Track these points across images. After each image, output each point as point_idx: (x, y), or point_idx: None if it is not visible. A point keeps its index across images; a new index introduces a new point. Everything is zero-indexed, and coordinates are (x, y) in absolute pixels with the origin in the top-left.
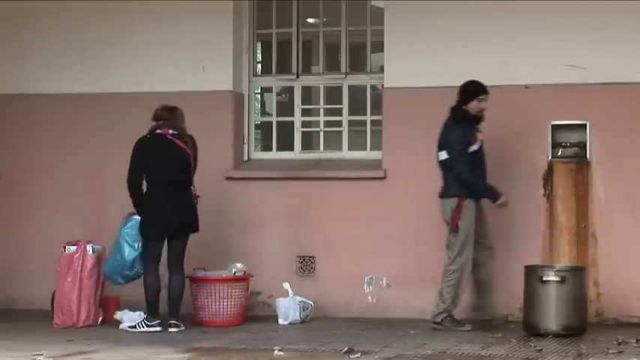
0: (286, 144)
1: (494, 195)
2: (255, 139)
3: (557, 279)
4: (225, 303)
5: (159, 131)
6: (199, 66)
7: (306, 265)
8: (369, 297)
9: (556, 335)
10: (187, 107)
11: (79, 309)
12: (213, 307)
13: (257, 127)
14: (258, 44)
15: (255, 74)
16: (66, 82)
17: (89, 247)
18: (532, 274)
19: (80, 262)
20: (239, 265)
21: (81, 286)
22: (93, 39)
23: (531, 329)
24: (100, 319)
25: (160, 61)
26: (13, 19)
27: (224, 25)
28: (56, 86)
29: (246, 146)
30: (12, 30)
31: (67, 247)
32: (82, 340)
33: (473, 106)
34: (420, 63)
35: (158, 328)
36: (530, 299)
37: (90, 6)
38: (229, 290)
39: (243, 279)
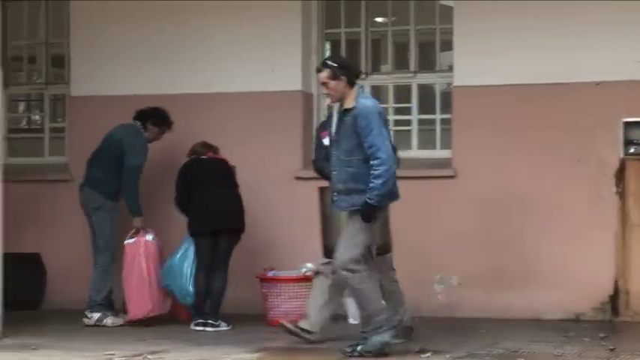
0: None
1: None
2: None
3: None
4: (295, 303)
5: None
6: (269, 66)
7: None
8: (439, 296)
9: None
10: (257, 107)
11: (151, 297)
12: (283, 306)
13: None
14: (327, 44)
15: None
16: (139, 84)
17: (148, 236)
18: (324, 193)
19: (143, 250)
20: (309, 264)
21: (149, 274)
22: (166, 41)
23: (329, 252)
24: (170, 304)
25: (230, 62)
26: (89, 22)
27: (293, 26)
28: (129, 88)
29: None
30: (90, 32)
31: (127, 239)
32: (152, 340)
33: None
34: (489, 61)
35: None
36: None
37: (164, 8)
38: (299, 290)
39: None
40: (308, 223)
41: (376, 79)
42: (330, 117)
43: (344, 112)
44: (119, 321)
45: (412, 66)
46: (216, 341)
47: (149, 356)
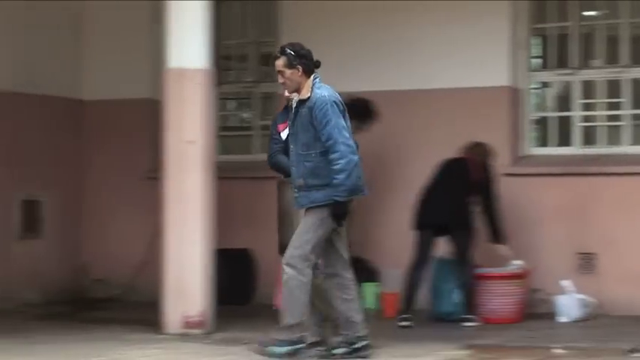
0: (563, 139)
1: None
2: (532, 134)
3: None
4: (504, 300)
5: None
6: (476, 63)
7: (586, 262)
8: None
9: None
10: (464, 103)
11: None
12: (491, 304)
13: (534, 122)
14: (535, 39)
15: (531, 69)
16: (347, 82)
17: None
18: (282, 187)
19: None
20: (518, 261)
21: None
22: (374, 40)
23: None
24: None
25: (438, 59)
26: (299, 21)
27: (500, 24)
28: (337, 86)
29: (522, 142)
30: (299, 31)
31: None
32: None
33: None
34: None
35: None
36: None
37: (372, 7)
38: (507, 287)
39: (522, 276)
40: (515, 220)
41: (586, 74)
42: (286, 108)
43: (299, 104)
44: None
45: (624, 60)
46: (424, 338)
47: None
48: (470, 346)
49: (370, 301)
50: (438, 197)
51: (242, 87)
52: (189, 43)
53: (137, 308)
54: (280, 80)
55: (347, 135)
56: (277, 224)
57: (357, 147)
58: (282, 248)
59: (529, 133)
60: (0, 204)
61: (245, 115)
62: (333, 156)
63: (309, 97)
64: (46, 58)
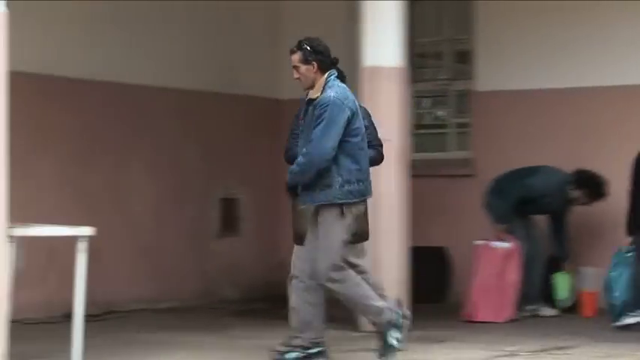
0: None
1: None
2: None
3: None
4: None
5: None
6: None
7: None
8: None
9: None
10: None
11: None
12: None
13: None
14: None
15: None
16: (542, 79)
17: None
18: None
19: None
20: None
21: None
22: (570, 37)
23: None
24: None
25: (631, 56)
26: (494, 18)
27: None
28: (534, 82)
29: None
30: (495, 28)
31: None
32: (557, 335)
33: None
34: None
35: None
36: None
37: (568, 5)
38: None
39: None
40: None
41: None
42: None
43: (309, 102)
44: (552, 312)
45: None
46: (620, 337)
47: (556, 352)
48: None
49: (563, 293)
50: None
51: (437, 85)
52: (384, 41)
53: (335, 306)
54: (295, 75)
55: (329, 141)
56: (292, 213)
57: (382, 146)
58: (297, 237)
59: None
60: (199, 202)
61: (440, 112)
62: (303, 151)
63: (317, 97)
64: (244, 58)
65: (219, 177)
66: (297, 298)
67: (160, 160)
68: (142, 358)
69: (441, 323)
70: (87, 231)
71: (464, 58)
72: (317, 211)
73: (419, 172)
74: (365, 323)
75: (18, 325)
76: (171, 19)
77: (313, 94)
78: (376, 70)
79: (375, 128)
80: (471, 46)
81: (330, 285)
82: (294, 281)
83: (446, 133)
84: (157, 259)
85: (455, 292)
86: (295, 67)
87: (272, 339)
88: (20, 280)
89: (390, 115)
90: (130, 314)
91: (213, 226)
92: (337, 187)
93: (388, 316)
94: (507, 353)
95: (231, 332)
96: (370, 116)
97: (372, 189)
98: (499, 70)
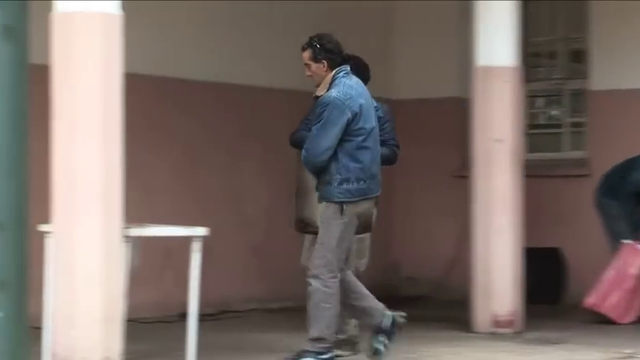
0: None
1: None
2: None
3: None
4: None
5: None
6: None
7: None
8: None
9: None
10: None
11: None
12: None
13: None
14: None
15: None
16: None
17: None
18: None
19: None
20: None
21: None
22: None
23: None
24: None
25: None
26: (610, 17)
27: None
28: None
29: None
30: (610, 27)
31: None
32: None
33: None
34: None
35: None
36: None
37: None
38: None
39: None
40: None
41: None
42: None
43: (315, 99)
44: None
45: None
46: None
47: None
48: None
49: None
50: None
51: (551, 84)
52: (497, 41)
53: (447, 306)
54: (307, 73)
55: (326, 140)
56: (295, 198)
57: (398, 147)
58: (299, 223)
59: None
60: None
61: (554, 112)
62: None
63: (322, 95)
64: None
65: None
66: (313, 299)
67: (271, 160)
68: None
69: (557, 325)
70: (201, 231)
71: (578, 57)
72: (323, 207)
73: (533, 173)
74: (477, 323)
75: (134, 324)
76: (286, 20)
77: (319, 91)
78: (489, 70)
79: (393, 128)
80: (585, 45)
81: (312, 281)
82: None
83: (560, 132)
84: (268, 259)
85: (570, 293)
86: (307, 65)
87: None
88: (136, 279)
89: (503, 114)
90: (243, 314)
91: None
92: (335, 185)
93: (325, 346)
94: (624, 356)
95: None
96: (391, 114)
97: (380, 188)
98: (614, 69)
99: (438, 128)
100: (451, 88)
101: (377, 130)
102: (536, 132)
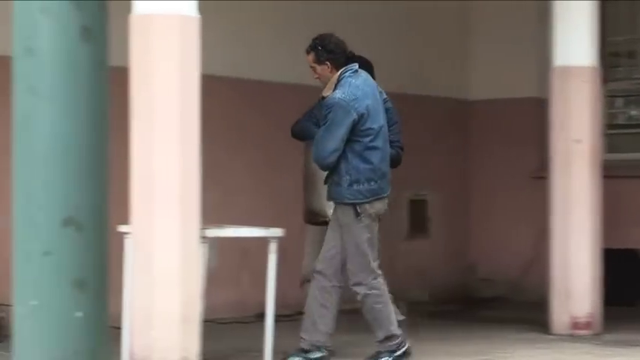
0: None
1: None
2: None
3: None
4: None
5: None
6: None
7: None
8: None
9: None
10: None
11: None
12: None
13: None
14: None
15: None
16: None
17: None
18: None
19: None
20: None
21: None
22: None
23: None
24: None
25: None
26: None
27: None
28: None
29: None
30: None
31: None
32: None
33: None
34: None
35: None
36: None
37: None
38: None
39: None
40: None
41: None
42: None
43: (321, 100)
44: None
45: None
46: None
47: None
48: None
49: None
50: None
51: (631, 84)
52: (575, 41)
53: (523, 308)
54: (315, 76)
55: (333, 139)
56: (303, 190)
57: (402, 149)
58: (308, 214)
59: None
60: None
61: (634, 112)
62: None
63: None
64: (434, 59)
65: (408, 178)
66: (312, 296)
67: None
68: None
69: (635, 327)
70: (277, 232)
71: None
72: (335, 209)
73: (613, 173)
74: (554, 325)
75: (211, 325)
76: (362, 19)
77: (326, 91)
78: (567, 70)
79: (400, 129)
80: None
81: (356, 289)
82: (317, 277)
83: None
84: None
85: None
86: (312, 68)
87: (459, 340)
88: (213, 280)
89: (580, 114)
90: None
91: (402, 228)
92: (345, 186)
93: (395, 343)
94: None
95: (418, 334)
96: (398, 115)
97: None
98: None
99: (516, 129)
100: (529, 88)
101: (386, 128)
102: (615, 132)
